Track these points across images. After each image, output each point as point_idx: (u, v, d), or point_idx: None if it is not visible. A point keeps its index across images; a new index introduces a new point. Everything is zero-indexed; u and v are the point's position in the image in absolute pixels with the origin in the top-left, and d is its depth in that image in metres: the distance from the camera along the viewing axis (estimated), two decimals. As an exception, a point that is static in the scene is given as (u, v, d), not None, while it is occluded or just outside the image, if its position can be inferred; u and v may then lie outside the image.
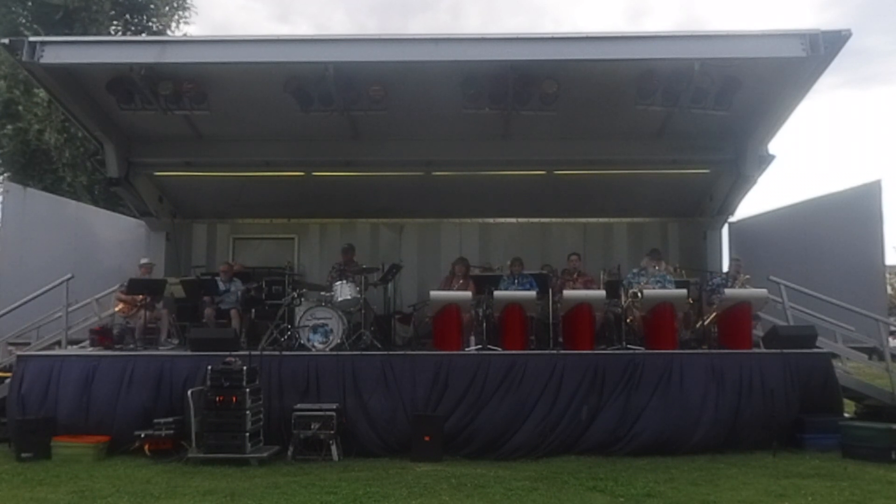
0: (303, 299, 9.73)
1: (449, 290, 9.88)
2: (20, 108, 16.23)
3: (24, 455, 7.82)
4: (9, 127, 16.27)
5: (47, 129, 16.43)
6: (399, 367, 8.36)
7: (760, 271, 10.09)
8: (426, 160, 11.34)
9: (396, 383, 8.28)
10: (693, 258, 12.21)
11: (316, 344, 8.99)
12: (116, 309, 10.17)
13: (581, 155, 11.02)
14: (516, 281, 9.81)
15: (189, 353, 8.71)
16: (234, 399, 7.57)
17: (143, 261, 10.69)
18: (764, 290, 9.25)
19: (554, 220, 12.95)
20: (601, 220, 12.95)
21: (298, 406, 7.96)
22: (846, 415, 8.97)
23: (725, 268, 11.18)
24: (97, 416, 8.21)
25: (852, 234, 10.62)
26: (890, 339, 10.25)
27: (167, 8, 18.93)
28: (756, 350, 8.84)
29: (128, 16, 18.54)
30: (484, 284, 9.52)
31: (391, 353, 8.81)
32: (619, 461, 7.62)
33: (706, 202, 12.22)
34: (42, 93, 14.78)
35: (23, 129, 16.30)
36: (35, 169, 16.94)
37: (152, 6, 18.75)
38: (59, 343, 9.80)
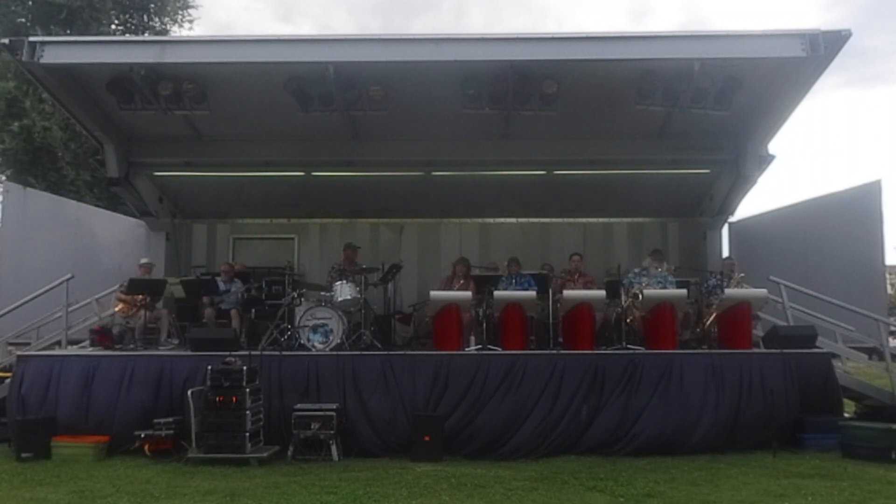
0: (303, 299, 9.73)
1: (449, 290, 9.88)
2: (27, 104, 16.21)
3: (24, 455, 7.82)
4: (15, 124, 16.27)
5: (53, 126, 16.44)
6: (399, 367, 8.36)
7: (760, 271, 10.08)
8: (426, 160, 11.33)
9: (396, 383, 8.28)
10: (693, 258, 12.19)
11: (316, 344, 8.99)
12: (116, 309, 10.17)
13: (581, 155, 11.01)
14: (515, 281, 9.81)
15: (189, 353, 8.71)
16: (234, 399, 7.57)
17: (143, 261, 10.69)
18: (764, 290, 9.25)
19: (554, 220, 12.94)
20: (601, 220, 12.93)
21: (298, 406, 7.96)
22: (846, 415, 8.98)
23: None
24: (97, 416, 8.21)
25: (852, 234, 10.61)
26: (890, 339, 10.25)
27: (169, 7, 18.93)
28: (756, 350, 8.84)
29: (129, 14, 18.53)
30: (484, 284, 9.53)
31: (391, 353, 8.82)
32: (619, 461, 7.62)
33: (706, 202, 12.21)
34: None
35: (27, 126, 16.30)
36: (38, 167, 16.95)
37: (152, 5, 18.75)
38: (59, 343, 9.80)
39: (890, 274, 21.37)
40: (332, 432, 7.76)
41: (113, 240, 12.27)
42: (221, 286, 10.39)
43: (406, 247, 12.82)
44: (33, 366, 8.49)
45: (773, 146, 10.40)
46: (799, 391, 8.25)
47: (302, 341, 9.04)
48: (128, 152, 11.00)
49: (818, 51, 7.97)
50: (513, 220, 13.00)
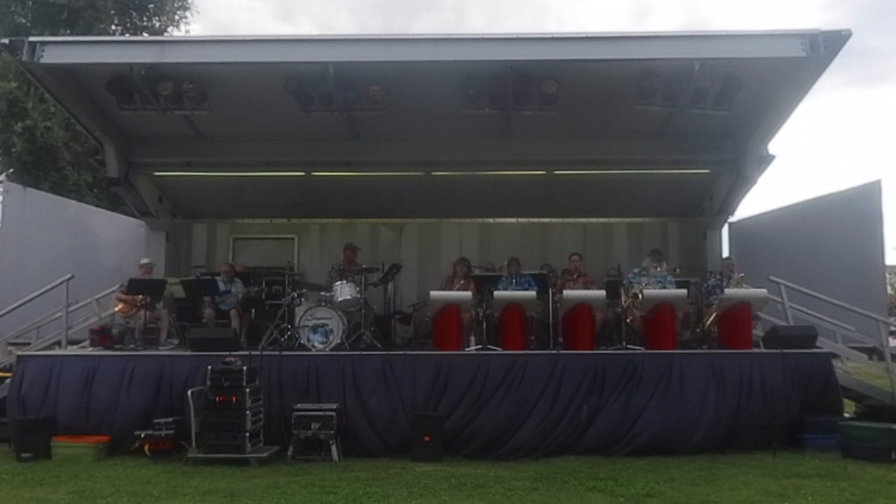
0: (303, 299, 9.73)
1: (449, 290, 9.88)
2: (29, 105, 16.21)
3: (24, 455, 7.82)
4: (18, 125, 16.27)
5: (54, 126, 16.46)
6: (399, 367, 8.36)
7: (760, 271, 10.08)
8: (426, 160, 11.33)
9: (396, 383, 8.27)
10: (693, 258, 12.21)
11: (316, 344, 8.99)
12: (116, 309, 10.17)
13: (581, 155, 11.02)
14: (515, 281, 9.81)
15: (189, 353, 8.71)
16: (234, 399, 7.57)
17: (143, 261, 10.69)
18: (764, 290, 9.24)
19: (554, 220, 12.96)
20: (601, 220, 12.95)
21: (298, 406, 7.96)
22: (846, 415, 8.97)
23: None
24: (97, 416, 8.21)
25: (852, 234, 10.61)
26: (890, 339, 10.24)
27: (167, 7, 18.95)
28: (756, 350, 8.84)
29: (129, 14, 18.57)
30: (484, 284, 9.53)
31: (391, 353, 8.82)
32: (619, 461, 7.62)
33: (706, 202, 12.22)
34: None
35: (29, 126, 16.30)
36: (41, 168, 16.96)
37: (152, 5, 18.77)
38: (59, 343, 9.80)
39: (890, 274, 21.37)
40: (332, 432, 7.76)
41: (113, 240, 12.28)
42: (221, 286, 10.39)
43: (406, 247, 12.83)
44: (33, 366, 8.48)
45: (773, 146, 10.42)
46: (799, 391, 8.24)
47: (302, 341, 9.04)
48: (128, 152, 11.01)
49: (818, 51, 7.98)
50: (513, 220, 13.01)
